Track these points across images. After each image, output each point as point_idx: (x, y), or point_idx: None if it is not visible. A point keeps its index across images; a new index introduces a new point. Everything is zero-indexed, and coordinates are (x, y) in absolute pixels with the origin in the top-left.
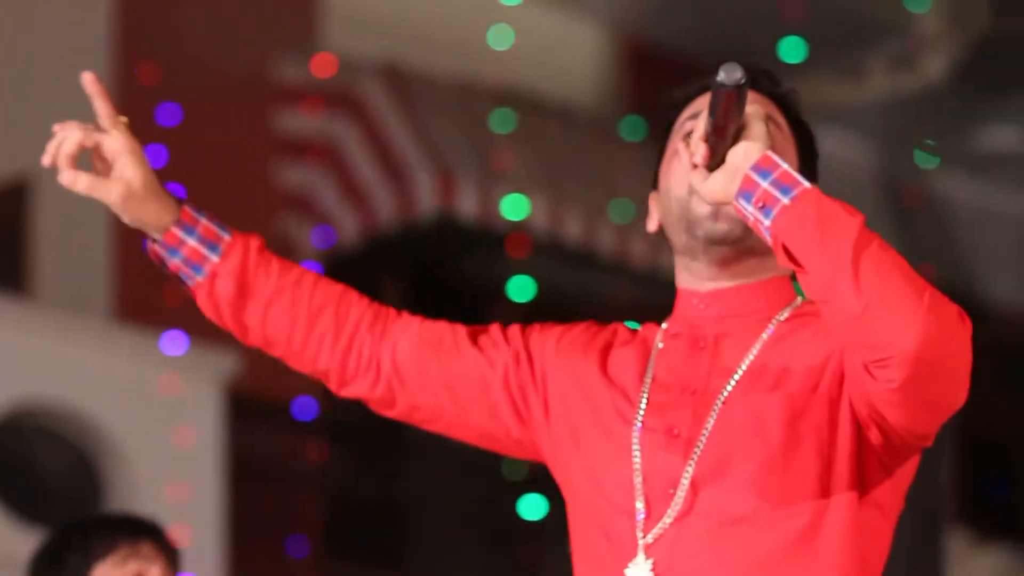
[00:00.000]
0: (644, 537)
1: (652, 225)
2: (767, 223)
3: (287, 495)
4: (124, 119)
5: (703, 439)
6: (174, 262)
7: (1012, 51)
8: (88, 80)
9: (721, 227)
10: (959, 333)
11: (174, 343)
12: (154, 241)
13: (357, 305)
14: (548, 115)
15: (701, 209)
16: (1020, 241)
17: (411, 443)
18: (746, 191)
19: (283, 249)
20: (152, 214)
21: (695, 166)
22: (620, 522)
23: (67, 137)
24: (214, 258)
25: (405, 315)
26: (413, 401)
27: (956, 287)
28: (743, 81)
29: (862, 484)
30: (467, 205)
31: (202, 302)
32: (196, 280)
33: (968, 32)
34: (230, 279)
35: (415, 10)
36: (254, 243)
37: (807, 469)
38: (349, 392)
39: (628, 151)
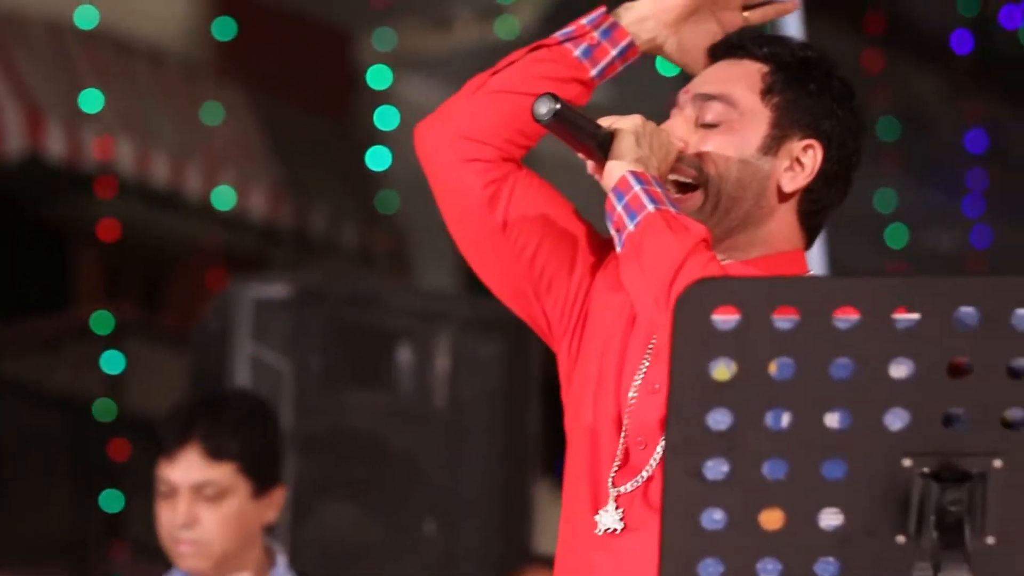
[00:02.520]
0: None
1: None
2: (619, 250)
3: None
4: None
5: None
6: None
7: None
8: None
9: None
10: None
11: None
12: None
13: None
14: (138, 57)
15: None
16: None
17: None
18: (608, 212)
19: None
20: None
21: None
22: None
23: None
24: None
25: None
26: (511, 218)
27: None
28: (547, 117)
29: None
30: (55, 145)
31: None
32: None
33: None
34: None
35: None
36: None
37: None
38: (469, 170)
39: (219, 96)
